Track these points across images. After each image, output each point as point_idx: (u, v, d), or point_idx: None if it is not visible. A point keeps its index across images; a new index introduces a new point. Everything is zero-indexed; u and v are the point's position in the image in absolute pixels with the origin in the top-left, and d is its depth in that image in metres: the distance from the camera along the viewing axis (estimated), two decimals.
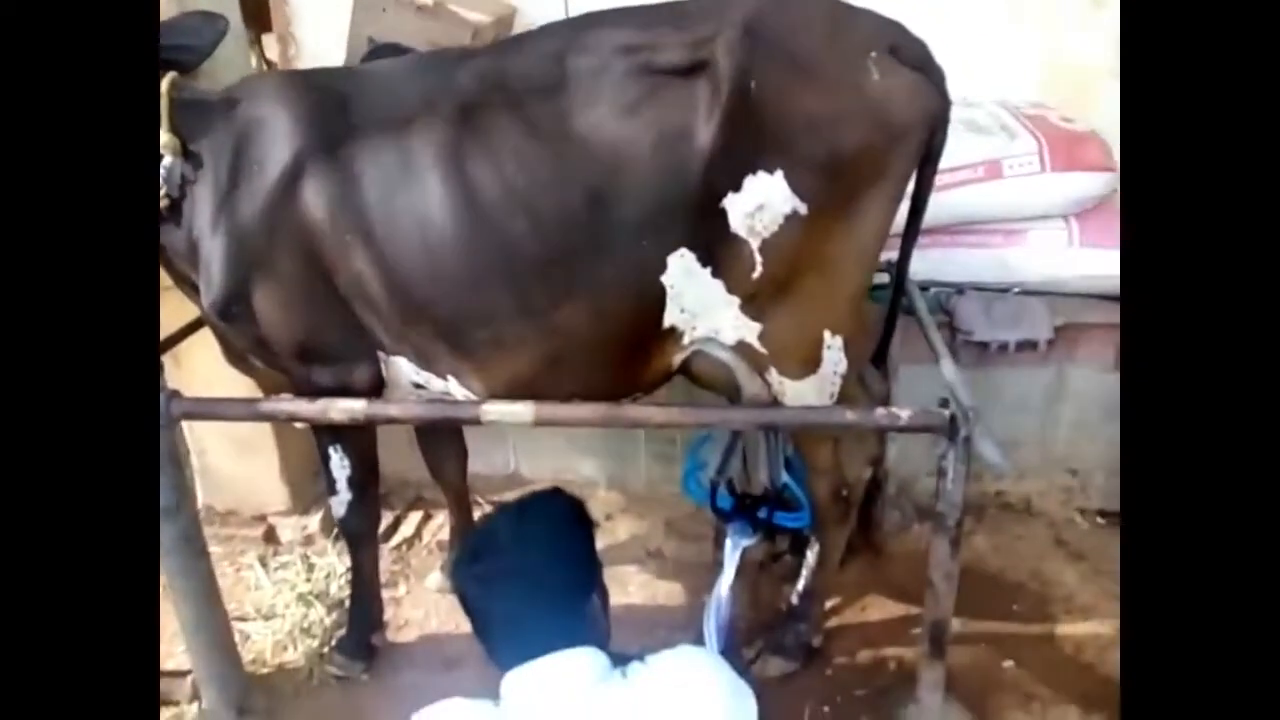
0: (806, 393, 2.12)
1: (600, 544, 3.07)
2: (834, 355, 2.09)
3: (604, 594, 1.49)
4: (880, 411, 2.01)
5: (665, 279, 1.95)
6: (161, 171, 2.02)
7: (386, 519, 3.22)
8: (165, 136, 2.02)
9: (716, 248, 1.93)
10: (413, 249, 1.96)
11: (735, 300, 1.99)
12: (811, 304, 2.01)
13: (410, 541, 3.22)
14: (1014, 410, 3.06)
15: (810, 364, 2.09)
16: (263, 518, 3.21)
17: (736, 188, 1.86)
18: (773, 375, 2.11)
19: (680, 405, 2.16)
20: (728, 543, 2.55)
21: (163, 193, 2.04)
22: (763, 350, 2.06)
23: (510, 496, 1.54)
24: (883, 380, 2.65)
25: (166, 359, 2.54)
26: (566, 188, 1.89)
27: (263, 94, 2.10)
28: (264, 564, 3.08)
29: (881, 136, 1.87)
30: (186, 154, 2.06)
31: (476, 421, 1.98)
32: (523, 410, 1.93)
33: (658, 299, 1.98)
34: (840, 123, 1.84)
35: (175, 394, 2.00)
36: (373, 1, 2.81)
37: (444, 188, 1.93)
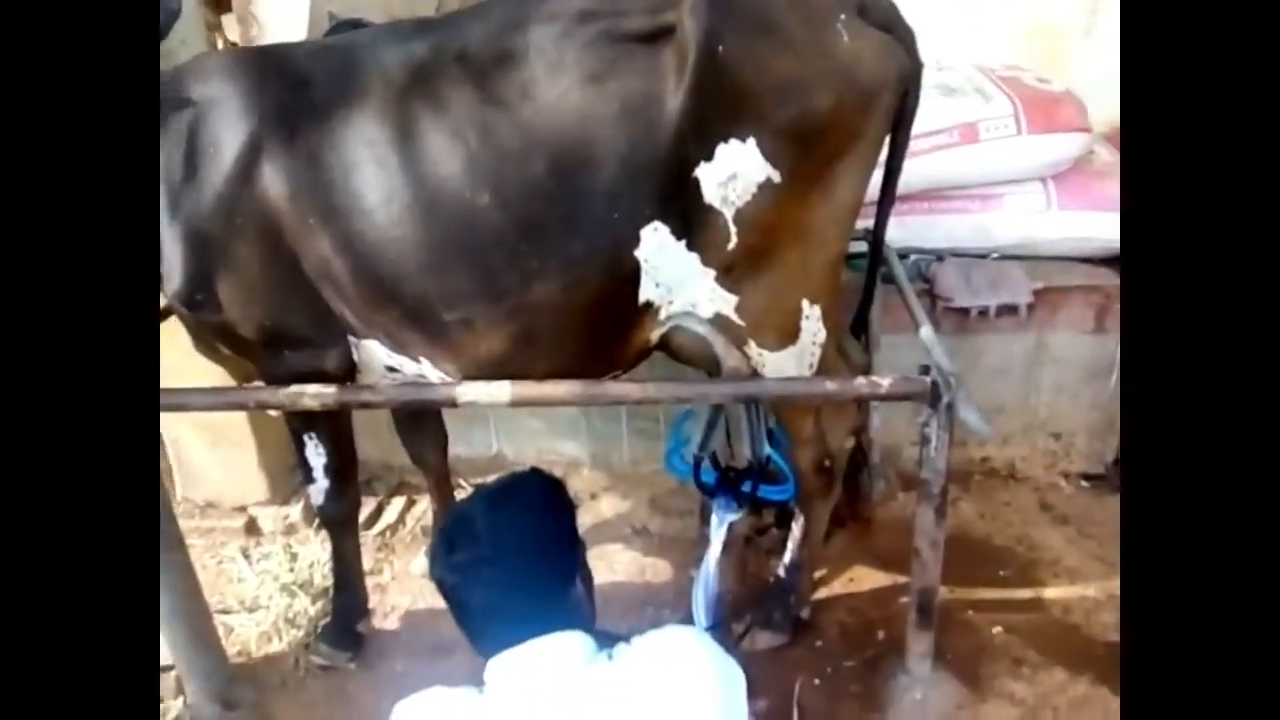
0: (786, 364, 2.10)
1: (585, 523, 3.12)
2: (812, 325, 2.07)
3: (587, 576, 1.46)
4: (861, 381, 1.99)
5: (639, 253, 1.92)
6: None
7: (369, 505, 3.20)
8: None
9: (690, 219, 1.89)
10: (376, 229, 1.91)
11: (711, 272, 1.96)
12: (788, 273, 1.98)
13: (394, 527, 3.19)
14: (995, 376, 3.06)
15: (789, 335, 2.06)
16: (243, 509, 3.17)
17: (709, 157, 1.83)
18: (751, 348, 2.08)
19: (659, 381, 2.14)
20: (713, 518, 2.53)
21: None
22: (740, 322, 2.03)
23: (493, 479, 1.50)
24: (864, 350, 2.63)
25: None
26: (532, 162, 1.84)
27: (214, 73, 2.03)
28: (246, 555, 3.04)
29: (853, 100, 1.83)
30: None
31: (452, 404, 1.94)
32: (499, 390, 1.90)
33: (632, 274, 1.95)
34: (811, 87, 1.80)
35: None
36: None
37: (405, 164, 1.88)
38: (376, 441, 3.11)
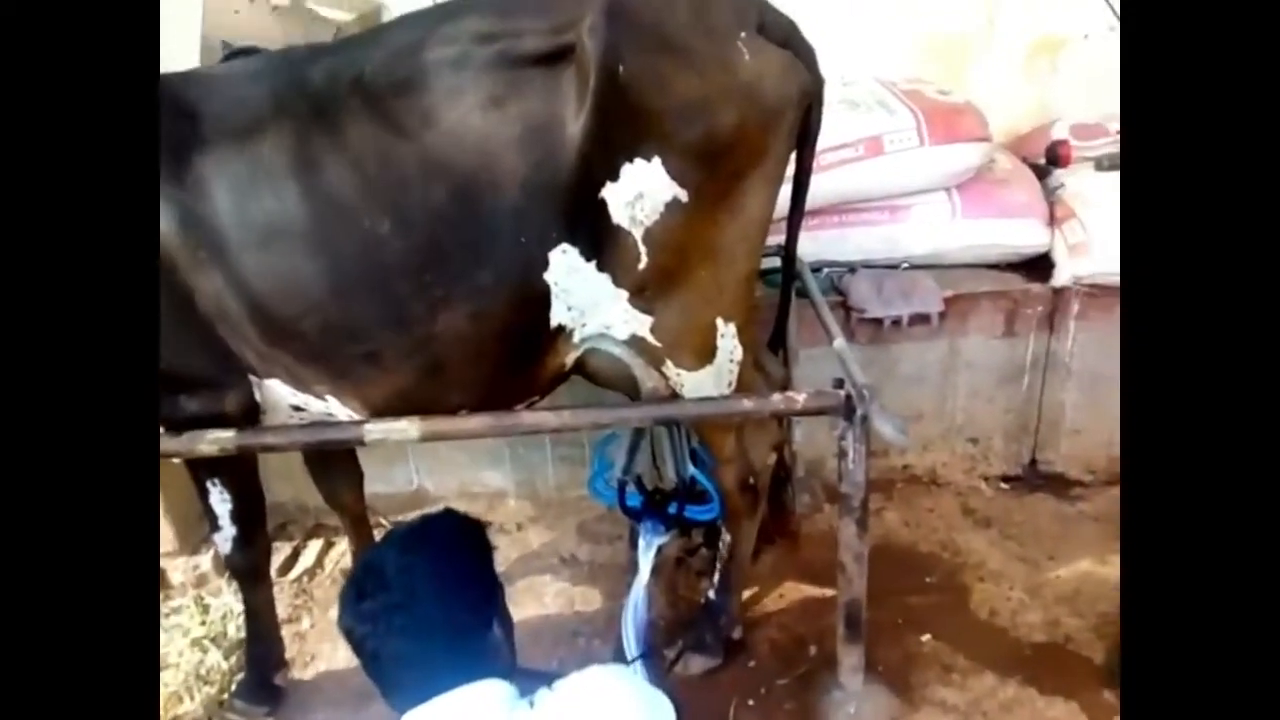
0: (704, 383, 2.08)
1: (512, 554, 3.05)
2: (728, 343, 2.05)
3: (506, 619, 1.41)
4: (776, 397, 1.98)
5: (548, 277, 1.88)
6: None
7: (285, 550, 3.08)
8: None
9: (600, 240, 1.86)
10: (271, 263, 1.83)
11: (623, 293, 1.93)
12: (700, 292, 1.96)
13: (311, 572, 3.07)
14: (911, 383, 3.10)
15: (705, 354, 2.04)
16: None
17: (614, 177, 1.80)
18: (669, 368, 2.06)
19: (575, 408, 2.09)
20: (640, 542, 2.50)
21: None
22: (656, 343, 2.01)
23: (415, 515, 1.44)
24: (782, 364, 2.64)
25: None
26: (433, 188, 1.79)
27: None
28: None
29: (757, 117, 1.83)
30: None
31: (360, 442, 1.88)
32: (408, 427, 1.84)
33: (542, 298, 1.91)
34: (714, 105, 1.79)
35: None
36: (224, 4, 2.66)
37: (300, 195, 1.80)
38: (290, 483, 2.99)
